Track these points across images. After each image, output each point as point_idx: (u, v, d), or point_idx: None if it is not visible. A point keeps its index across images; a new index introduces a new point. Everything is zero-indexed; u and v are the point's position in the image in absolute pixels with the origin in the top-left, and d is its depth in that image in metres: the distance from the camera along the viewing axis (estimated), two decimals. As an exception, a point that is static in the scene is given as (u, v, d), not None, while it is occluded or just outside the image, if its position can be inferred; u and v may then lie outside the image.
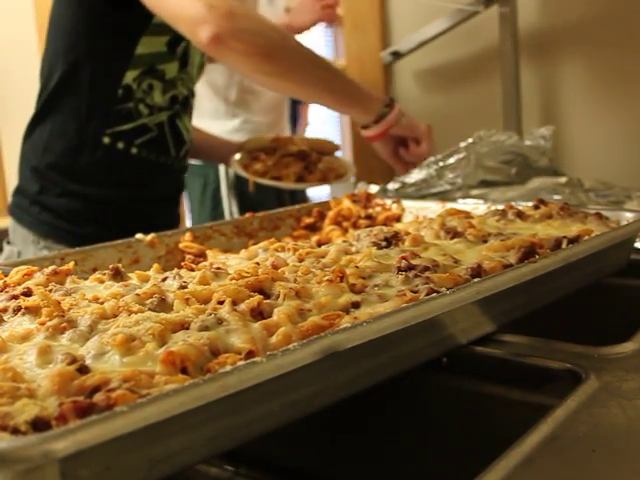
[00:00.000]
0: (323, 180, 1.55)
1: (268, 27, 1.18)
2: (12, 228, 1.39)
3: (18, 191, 1.40)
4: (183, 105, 1.40)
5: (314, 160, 1.55)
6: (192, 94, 1.44)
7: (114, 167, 1.35)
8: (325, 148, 1.62)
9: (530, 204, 1.00)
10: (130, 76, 1.30)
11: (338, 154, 1.72)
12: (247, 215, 1.10)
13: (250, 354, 0.48)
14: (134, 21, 1.28)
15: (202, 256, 0.94)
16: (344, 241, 0.83)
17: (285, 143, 1.56)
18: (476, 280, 0.64)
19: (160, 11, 1.18)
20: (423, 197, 1.43)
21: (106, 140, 1.32)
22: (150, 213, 1.42)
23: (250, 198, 1.92)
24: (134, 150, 1.34)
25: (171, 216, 1.50)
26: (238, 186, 2.04)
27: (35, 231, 1.34)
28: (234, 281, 0.62)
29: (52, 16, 1.34)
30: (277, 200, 2.09)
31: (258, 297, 0.57)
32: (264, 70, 1.17)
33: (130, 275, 0.69)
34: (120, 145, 1.33)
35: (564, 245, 0.77)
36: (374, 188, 1.46)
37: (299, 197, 2.17)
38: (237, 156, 1.55)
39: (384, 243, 0.78)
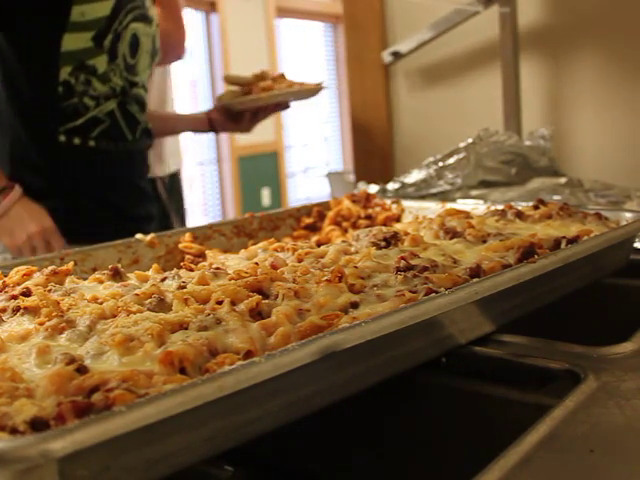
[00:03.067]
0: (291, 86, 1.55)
1: None
2: None
3: None
4: (125, 95, 1.42)
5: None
6: (134, 83, 1.44)
7: (76, 164, 1.36)
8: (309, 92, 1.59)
9: (530, 204, 1.00)
10: (65, 72, 1.32)
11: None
12: (247, 215, 1.10)
13: (249, 354, 0.48)
14: (50, 22, 1.30)
15: (202, 256, 0.94)
16: (343, 241, 0.83)
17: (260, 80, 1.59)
18: (475, 280, 0.64)
19: None
20: (423, 197, 1.43)
21: (62, 138, 1.34)
22: (122, 204, 1.43)
23: None
24: (92, 143, 1.36)
25: (144, 204, 1.51)
26: None
27: None
28: (233, 281, 0.62)
29: None
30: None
31: (257, 297, 0.57)
32: None
33: (129, 275, 0.69)
34: (77, 141, 1.35)
35: (563, 245, 0.77)
36: (374, 188, 1.46)
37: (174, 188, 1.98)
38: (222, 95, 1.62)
39: (383, 243, 0.78)
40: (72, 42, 1.30)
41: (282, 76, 1.58)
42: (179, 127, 1.78)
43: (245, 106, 1.57)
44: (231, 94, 1.59)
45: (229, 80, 1.63)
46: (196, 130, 1.78)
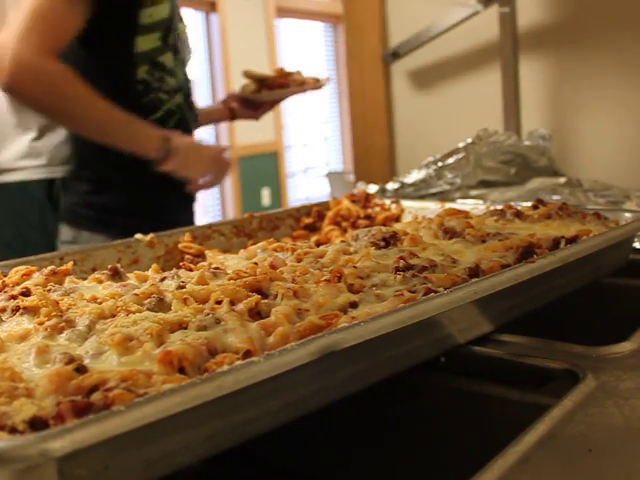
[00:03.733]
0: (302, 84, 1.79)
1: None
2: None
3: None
4: (186, 87, 1.57)
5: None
6: (188, 77, 1.61)
7: None
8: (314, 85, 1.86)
9: (529, 204, 1.00)
10: (142, 71, 1.43)
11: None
12: (246, 215, 1.10)
13: (248, 354, 0.48)
14: (124, 28, 1.41)
15: (201, 256, 0.94)
16: (342, 241, 0.83)
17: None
18: (474, 280, 0.64)
19: None
20: (422, 197, 1.43)
21: None
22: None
23: None
24: None
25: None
26: None
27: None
28: (232, 281, 0.62)
29: None
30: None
31: (256, 297, 0.57)
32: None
33: (129, 275, 0.69)
34: None
35: (562, 245, 0.77)
36: (373, 188, 1.46)
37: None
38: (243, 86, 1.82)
39: (382, 243, 0.78)
40: (144, 43, 1.42)
41: (298, 72, 1.82)
42: (204, 120, 1.83)
43: (268, 98, 1.79)
44: (252, 86, 1.80)
45: (249, 75, 1.83)
46: (218, 121, 1.93)
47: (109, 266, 0.69)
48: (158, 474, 0.42)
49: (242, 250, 0.84)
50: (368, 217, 1.15)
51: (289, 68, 1.82)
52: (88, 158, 1.46)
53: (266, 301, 0.58)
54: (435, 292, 0.60)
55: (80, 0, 1.31)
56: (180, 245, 0.98)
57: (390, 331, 0.53)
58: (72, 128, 1.44)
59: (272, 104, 1.85)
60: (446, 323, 0.63)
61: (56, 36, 1.32)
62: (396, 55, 2.17)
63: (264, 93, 1.79)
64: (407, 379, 0.66)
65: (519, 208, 0.96)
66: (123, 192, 1.45)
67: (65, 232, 1.48)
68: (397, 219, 1.15)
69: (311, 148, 5.92)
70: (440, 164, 1.48)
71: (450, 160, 1.48)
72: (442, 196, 1.43)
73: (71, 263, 0.73)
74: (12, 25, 1.31)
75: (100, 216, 1.44)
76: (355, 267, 0.67)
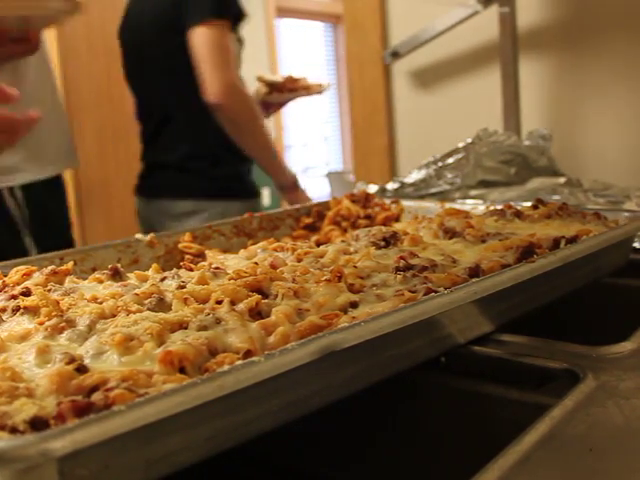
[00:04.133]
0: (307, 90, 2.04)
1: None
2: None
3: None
4: None
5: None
6: None
7: None
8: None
9: (529, 204, 1.00)
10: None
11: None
12: (246, 215, 1.10)
13: (248, 354, 0.48)
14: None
15: (201, 256, 0.94)
16: (343, 241, 0.83)
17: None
18: (474, 280, 0.64)
19: None
20: (422, 197, 1.43)
21: None
22: None
23: None
24: None
25: None
26: None
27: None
28: (233, 281, 0.62)
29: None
30: None
31: (256, 297, 0.57)
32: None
33: (129, 275, 0.69)
34: None
35: (562, 245, 0.77)
36: (373, 188, 1.46)
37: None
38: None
39: (383, 243, 0.78)
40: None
41: (304, 78, 2.04)
42: None
43: (278, 100, 2.01)
44: (263, 89, 2.02)
45: (261, 79, 2.04)
46: None
47: (109, 266, 0.69)
48: (159, 474, 0.42)
49: (242, 250, 0.84)
50: (368, 217, 1.15)
51: (296, 74, 2.05)
52: (211, 145, 1.80)
53: (266, 301, 0.58)
54: (435, 292, 0.60)
55: (231, 32, 1.72)
56: (180, 245, 0.98)
57: (390, 331, 0.53)
58: (248, 142, 1.76)
59: (280, 106, 2.10)
60: (446, 323, 0.63)
61: (235, 64, 1.72)
62: (396, 55, 2.17)
63: (275, 95, 2.01)
64: (407, 379, 0.66)
65: (519, 208, 0.96)
66: (234, 166, 1.82)
67: (183, 206, 1.78)
68: (397, 219, 1.15)
69: (311, 148, 5.91)
70: (440, 164, 1.48)
71: (450, 160, 1.48)
72: (442, 196, 1.43)
73: (71, 263, 0.73)
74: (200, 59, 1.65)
75: (221, 184, 1.81)
76: (355, 267, 0.67)
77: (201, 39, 1.64)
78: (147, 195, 1.90)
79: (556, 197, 1.30)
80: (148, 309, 0.56)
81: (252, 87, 1.99)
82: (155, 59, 1.80)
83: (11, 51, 1.23)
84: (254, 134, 1.75)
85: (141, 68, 1.87)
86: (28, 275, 0.68)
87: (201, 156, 1.80)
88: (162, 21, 1.75)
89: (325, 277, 0.63)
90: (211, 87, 1.64)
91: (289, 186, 1.84)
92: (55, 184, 1.46)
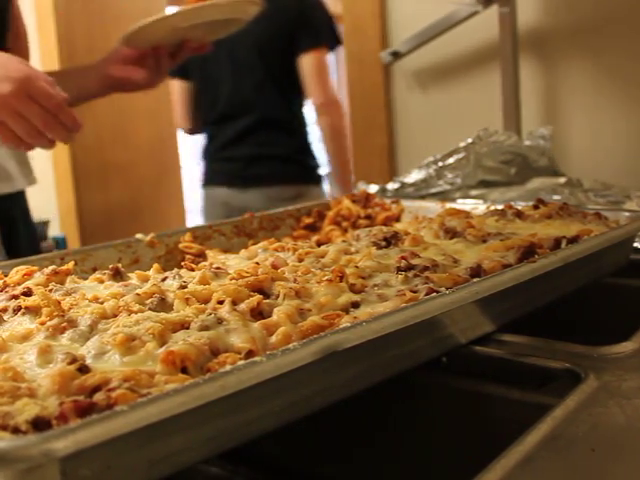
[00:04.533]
0: None
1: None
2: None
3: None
4: None
5: None
6: None
7: None
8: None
9: (530, 204, 1.00)
10: None
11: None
12: (247, 215, 1.10)
13: (250, 354, 0.48)
14: None
15: (202, 256, 0.94)
16: (344, 241, 0.83)
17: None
18: (475, 280, 0.64)
19: None
20: (422, 197, 1.43)
21: None
22: None
23: None
24: None
25: None
26: None
27: None
28: (234, 281, 0.62)
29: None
30: None
31: (258, 297, 0.57)
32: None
33: (130, 275, 0.69)
34: None
35: (563, 245, 0.77)
36: (373, 188, 1.46)
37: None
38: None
39: (384, 243, 0.78)
40: None
41: None
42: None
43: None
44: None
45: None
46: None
47: (110, 266, 0.69)
48: (161, 474, 0.42)
49: (243, 250, 0.84)
50: (368, 217, 1.15)
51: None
52: (308, 141, 2.27)
53: (268, 301, 0.58)
54: (437, 292, 0.60)
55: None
56: (181, 245, 0.98)
57: (392, 331, 0.53)
58: (334, 146, 2.20)
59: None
60: (448, 323, 0.63)
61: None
62: (396, 55, 2.17)
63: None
64: (408, 379, 0.66)
65: (520, 208, 0.97)
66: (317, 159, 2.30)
67: (290, 190, 2.15)
68: (397, 219, 1.15)
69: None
70: (440, 164, 1.48)
71: (450, 160, 1.48)
72: (442, 196, 1.43)
73: (72, 263, 0.73)
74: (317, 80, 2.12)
75: (314, 173, 2.25)
76: (357, 267, 0.67)
77: (311, 61, 2.15)
78: (245, 184, 2.18)
79: (556, 197, 1.30)
80: (150, 309, 0.56)
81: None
82: (270, 74, 2.18)
83: (166, 66, 1.24)
84: (340, 140, 2.19)
85: (243, 78, 2.20)
86: (29, 275, 0.68)
87: (303, 150, 2.24)
88: (278, 43, 2.17)
89: (326, 277, 0.63)
90: (318, 98, 2.15)
91: None
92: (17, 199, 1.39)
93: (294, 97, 2.21)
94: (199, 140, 2.53)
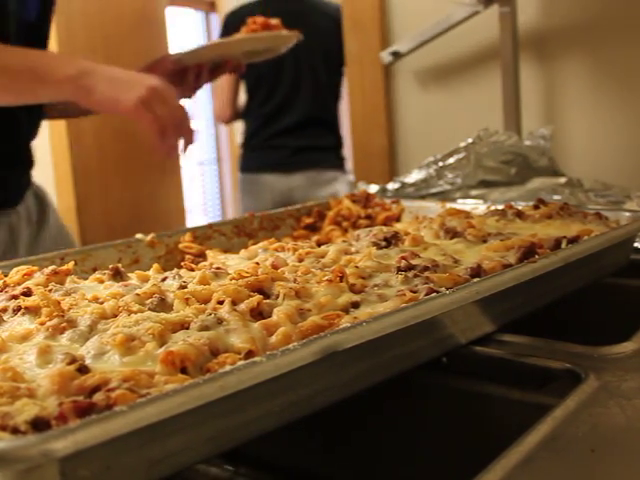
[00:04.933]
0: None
1: None
2: None
3: None
4: None
5: None
6: None
7: None
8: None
9: (530, 204, 1.00)
10: None
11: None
12: (247, 215, 1.10)
13: (250, 354, 0.48)
14: None
15: (202, 256, 0.94)
16: (344, 241, 0.83)
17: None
18: (476, 280, 0.64)
19: None
20: (423, 197, 1.43)
21: None
22: None
23: None
24: None
25: None
26: None
27: None
28: (234, 281, 0.62)
29: None
30: None
31: (258, 297, 0.57)
32: None
33: (130, 275, 0.69)
34: None
35: (564, 245, 0.77)
36: (374, 188, 1.46)
37: None
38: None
39: (384, 243, 0.78)
40: None
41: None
42: None
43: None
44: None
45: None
46: None
47: (110, 266, 0.69)
48: (161, 475, 0.42)
49: (243, 250, 0.84)
50: (369, 217, 1.15)
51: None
52: (340, 136, 2.68)
53: (268, 301, 0.58)
54: (437, 292, 0.60)
55: None
56: (180, 245, 0.98)
57: (392, 331, 0.53)
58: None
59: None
60: (448, 323, 0.63)
61: None
62: (396, 55, 2.17)
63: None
64: (409, 379, 0.66)
65: (520, 208, 0.96)
66: None
67: (330, 174, 2.56)
68: (398, 219, 1.15)
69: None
70: (440, 164, 1.48)
71: (450, 160, 1.48)
72: (443, 196, 1.43)
73: (72, 263, 0.73)
74: None
75: (343, 161, 2.64)
76: (357, 267, 0.67)
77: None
78: (291, 169, 2.52)
79: (557, 197, 1.30)
80: (149, 309, 0.56)
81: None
82: (327, 78, 2.57)
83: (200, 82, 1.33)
84: None
85: (304, 79, 2.55)
86: (29, 275, 0.68)
87: (338, 144, 2.65)
88: (338, 53, 2.44)
89: (327, 277, 0.63)
90: None
91: None
92: None
93: (337, 100, 2.67)
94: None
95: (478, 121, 1.71)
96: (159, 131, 1.06)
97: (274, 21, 1.36)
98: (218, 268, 0.69)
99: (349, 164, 2.57)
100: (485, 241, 0.80)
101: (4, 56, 1.06)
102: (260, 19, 1.36)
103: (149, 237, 0.95)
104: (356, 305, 0.59)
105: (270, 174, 2.56)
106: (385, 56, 2.20)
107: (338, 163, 2.65)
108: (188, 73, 1.31)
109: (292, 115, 2.59)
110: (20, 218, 1.28)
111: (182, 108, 1.09)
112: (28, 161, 1.30)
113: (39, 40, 1.27)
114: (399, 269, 0.67)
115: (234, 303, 0.56)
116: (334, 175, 2.61)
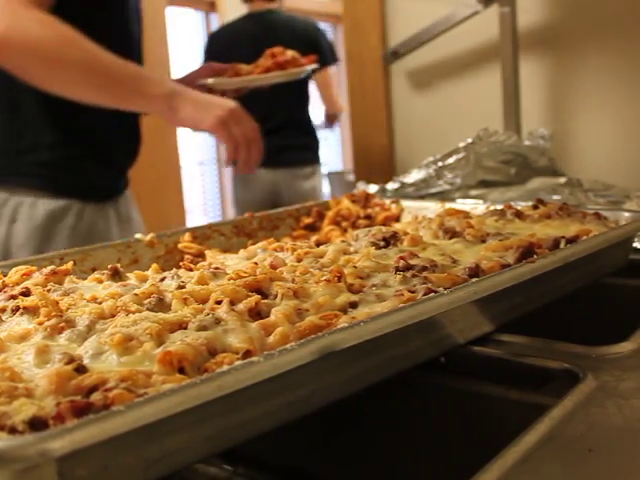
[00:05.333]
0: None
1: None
2: None
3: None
4: None
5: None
6: None
7: None
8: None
9: (529, 204, 1.00)
10: None
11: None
12: (246, 215, 1.10)
13: (247, 354, 0.48)
14: None
15: (201, 256, 0.94)
16: (342, 241, 0.83)
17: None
18: (474, 280, 0.64)
19: None
20: (422, 197, 1.43)
21: None
22: None
23: None
24: None
25: None
26: None
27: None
28: (232, 281, 0.62)
29: None
30: None
31: (256, 297, 0.57)
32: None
33: (129, 275, 0.69)
34: None
35: (562, 245, 0.77)
36: (373, 188, 1.46)
37: None
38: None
39: (382, 243, 0.78)
40: None
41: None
42: None
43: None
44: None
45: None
46: None
47: (109, 266, 0.69)
48: (158, 474, 0.42)
49: (242, 250, 0.84)
50: (368, 217, 1.15)
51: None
52: (316, 136, 3.06)
53: (266, 301, 0.58)
54: (435, 292, 0.60)
55: None
56: (180, 245, 0.98)
57: (390, 331, 0.53)
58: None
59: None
60: (446, 323, 0.63)
61: None
62: (396, 55, 2.17)
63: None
64: (407, 379, 0.66)
65: (519, 208, 0.96)
66: None
67: (308, 170, 2.95)
68: (397, 219, 1.15)
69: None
70: (440, 164, 1.48)
71: (450, 160, 1.48)
72: (442, 196, 1.43)
73: (71, 263, 0.73)
74: None
75: (319, 157, 3.10)
76: (355, 267, 0.67)
77: (324, 76, 3.04)
78: (277, 165, 2.80)
79: (556, 197, 1.30)
80: (147, 309, 0.56)
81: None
82: (297, 85, 2.61)
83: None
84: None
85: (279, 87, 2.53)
86: (28, 275, 0.68)
87: (314, 141, 3.00)
88: None
89: (325, 277, 0.63)
90: (334, 106, 3.22)
91: None
92: None
93: (308, 103, 3.00)
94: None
95: (478, 121, 1.71)
96: (234, 146, 1.24)
97: (290, 53, 1.55)
98: (216, 268, 0.69)
99: (349, 164, 2.59)
100: (484, 241, 0.80)
101: (110, 60, 1.17)
102: (279, 52, 1.55)
103: (148, 237, 0.95)
104: (354, 305, 0.59)
105: (259, 169, 2.70)
106: (385, 56, 2.21)
107: (316, 159, 3.03)
108: (214, 92, 1.48)
109: (273, 120, 2.86)
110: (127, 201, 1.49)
111: (255, 128, 1.26)
112: (138, 151, 1.52)
113: (140, 56, 1.45)
114: (397, 269, 0.67)
115: (232, 303, 0.56)
116: (312, 170, 2.99)
